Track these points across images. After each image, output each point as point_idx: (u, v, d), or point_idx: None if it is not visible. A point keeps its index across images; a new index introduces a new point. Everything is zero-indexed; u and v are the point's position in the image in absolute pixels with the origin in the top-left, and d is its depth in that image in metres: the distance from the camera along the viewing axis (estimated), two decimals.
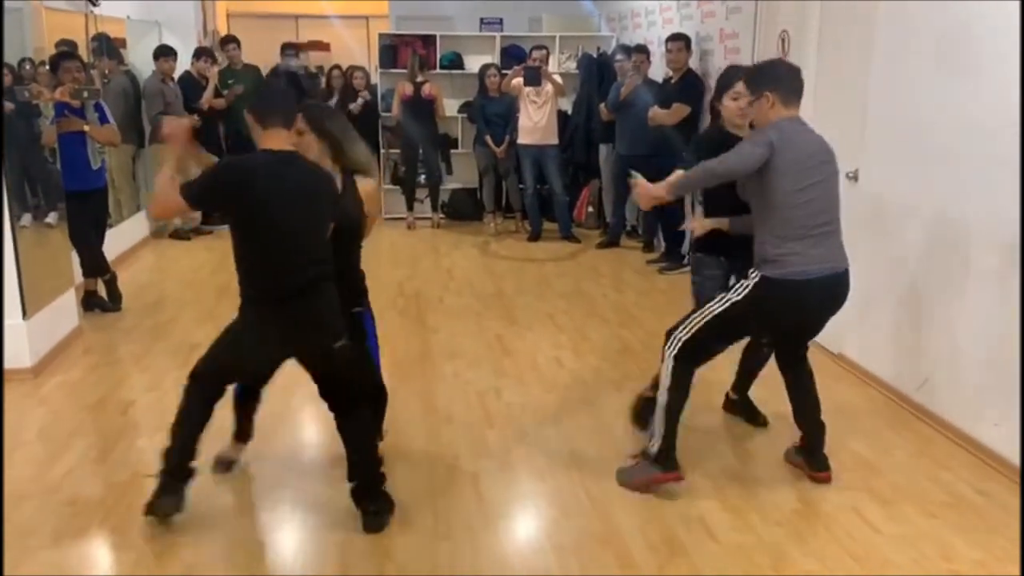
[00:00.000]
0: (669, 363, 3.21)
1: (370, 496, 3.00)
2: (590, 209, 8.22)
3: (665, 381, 3.22)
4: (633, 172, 3.44)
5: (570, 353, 4.81)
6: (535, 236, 7.67)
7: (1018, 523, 3.03)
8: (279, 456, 3.54)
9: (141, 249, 7.18)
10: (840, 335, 4.48)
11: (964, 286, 3.61)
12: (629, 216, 7.71)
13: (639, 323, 5.36)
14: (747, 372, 3.81)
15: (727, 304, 3.14)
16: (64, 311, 4.85)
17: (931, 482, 3.34)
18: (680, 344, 3.19)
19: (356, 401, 3.03)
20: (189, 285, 6.24)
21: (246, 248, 2.80)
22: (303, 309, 2.80)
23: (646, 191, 3.31)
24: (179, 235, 7.57)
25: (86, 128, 5.07)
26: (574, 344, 4.96)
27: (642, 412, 3.73)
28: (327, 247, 2.89)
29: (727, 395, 3.93)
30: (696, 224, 3.51)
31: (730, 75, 3.51)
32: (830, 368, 4.36)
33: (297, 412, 3.88)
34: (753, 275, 3.12)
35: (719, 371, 3.73)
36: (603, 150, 7.70)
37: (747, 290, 3.12)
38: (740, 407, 3.87)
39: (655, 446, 3.22)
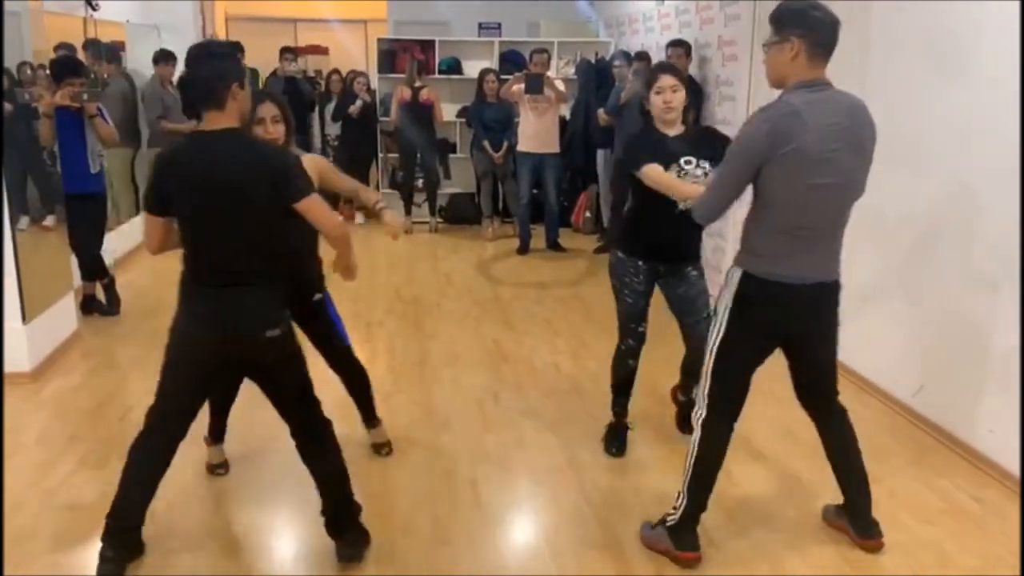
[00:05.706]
0: (696, 430, 2.80)
1: (341, 528, 2.83)
2: (588, 214, 8.25)
3: (692, 446, 2.80)
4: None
5: (568, 358, 4.82)
6: (524, 248, 7.43)
7: (1016, 530, 3.05)
8: (280, 456, 3.55)
9: (139, 253, 7.17)
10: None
11: (960, 292, 3.64)
12: None
13: None
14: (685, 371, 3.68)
15: (721, 325, 2.72)
16: (63, 315, 4.85)
17: (928, 489, 3.36)
18: (703, 401, 2.78)
19: (314, 419, 2.79)
20: None
21: (180, 229, 2.63)
22: (229, 296, 2.57)
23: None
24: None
25: (94, 113, 5.05)
26: (572, 349, 4.97)
27: (609, 437, 3.69)
28: (266, 234, 2.56)
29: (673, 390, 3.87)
30: None
31: (654, 70, 3.49)
32: None
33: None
34: (733, 271, 2.72)
35: None
36: (601, 155, 7.72)
37: (731, 293, 2.70)
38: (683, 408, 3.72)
39: (676, 515, 2.84)
